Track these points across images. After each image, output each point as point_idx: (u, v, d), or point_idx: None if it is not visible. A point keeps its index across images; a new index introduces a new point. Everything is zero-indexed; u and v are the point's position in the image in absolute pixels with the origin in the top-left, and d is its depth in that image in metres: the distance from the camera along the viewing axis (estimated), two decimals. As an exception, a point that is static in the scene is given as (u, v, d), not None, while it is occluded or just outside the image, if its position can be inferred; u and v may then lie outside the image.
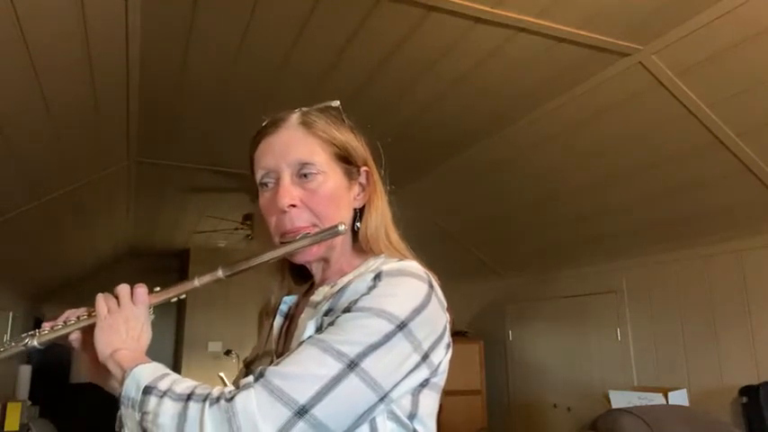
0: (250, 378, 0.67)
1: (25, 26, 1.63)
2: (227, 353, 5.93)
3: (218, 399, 0.65)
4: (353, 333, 0.68)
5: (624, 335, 3.38)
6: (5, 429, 3.58)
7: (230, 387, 0.68)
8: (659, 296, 3.19)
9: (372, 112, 2.64)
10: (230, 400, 0.64)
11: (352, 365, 0.66)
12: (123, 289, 0.82)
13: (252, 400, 0.63)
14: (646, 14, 1.90)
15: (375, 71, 2.32)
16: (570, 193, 3.14)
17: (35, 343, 0.82)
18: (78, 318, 0.83)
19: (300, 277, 0.93)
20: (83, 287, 5.54)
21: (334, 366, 0.66)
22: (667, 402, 2.70)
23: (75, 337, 0.84)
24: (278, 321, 0.90)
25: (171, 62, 2.22)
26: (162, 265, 6.32)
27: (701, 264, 2.96)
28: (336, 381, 0.65)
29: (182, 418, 0.65)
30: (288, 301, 0.91)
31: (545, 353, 4.04)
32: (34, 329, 0.84)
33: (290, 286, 0.94)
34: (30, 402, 4.11)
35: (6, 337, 4.27)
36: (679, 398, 2.77)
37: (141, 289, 0.82)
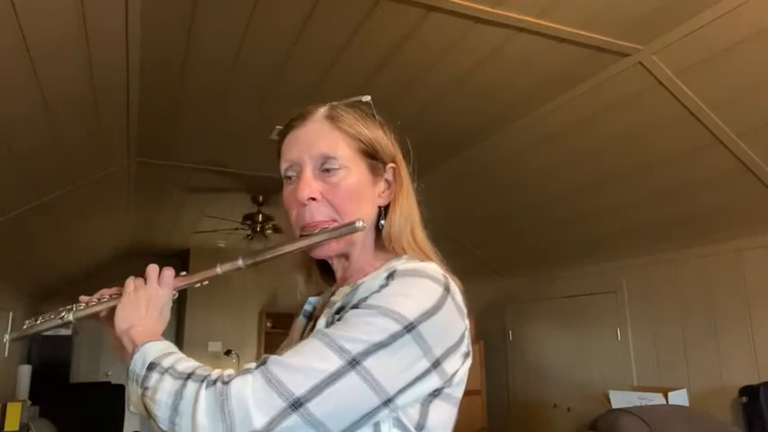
0: (252, 364, 0.67)
1: (25, 27, 1.63)
2: (227, 353, 5.93)
3: (215, 381, 0.65)
4: (358, 330, 0.66)
5: (624, 335, 3.38)
6: (5, 429, 3.58)
7: (231, 371, 0.67)
8: (659, 296, 3.19)
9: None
10: (227, 383, 0.64)
11: (354, 363, 0.64)
12: (153, 269, 0.84)
13: (248, 387, 0.63)
14: (646, 14, 1.90)
15: (375, 71, 2.32)
16: (570, 192, 3.14)
17: (71, 317, 0.86)
18: (111, 296, 0.86)
19: (331, 277, 0.90)
20: (83, 287, 5.50)
21: (335, 362, 0.64)
22: (667, 402, 2.70)
23: (104, 315, 0.86)
24: (301, 321, 0.89)
25: (171, 62, 2.22)
26: (162, 265, 6.32)
27: (700, 264, 2.96)
28: (335, 377, 0.63)
29: (178, 396, 0.65)
30: (313, 301, 0.90)
31: (545, 353, 4.04)
32: (71, 305, 0.87)
33: (320, 286, 0.92)
34: (30, 402, 4.10)
35: (6, 337, 4.27)
36: (679, 398, 2.77)
37: (169, 271, 0.84)
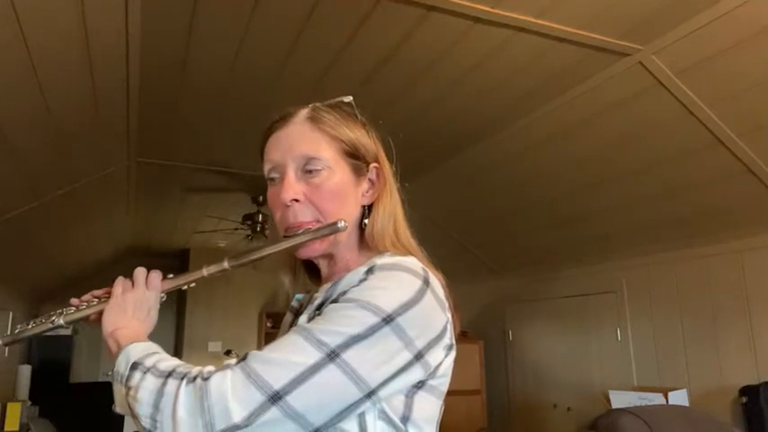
0: (233, 360, 0.68)
1: (26, 27, 1.64)
2: (227, 353, 5.93)
3: (195, 378, 0.66)
4: (336, 323, 0.67)
5: (624, 335, 3.38)
6: (5, 429, 3.58)
7: (211, 367, 0.68)
8: (659, 296, 3.19)
9: (372, 112, 2.64)
10: (206, 379, 0.65)
11: (333, 356, 0.65)
12: (140, 272, 0.86)
13: (227, 381, 0.64)
14: (646, 14, 1.90)
15: (375, 71, 2.32)
16: (570, 192, 3.14)
17: (61, 321, 0.87)
18: (99, 298, 0.87)
19: (318, 276, 0.91)
20: (83, 287, 5.50)
21: (314, 355, 0.65)
22: (667, 402, 2.70)
23: (94, 317, 0.87)
24: (288, 318, 0.90)
25: (171, 62, 2.22)
26: (162, 265, 6.31)
27: (700, 264, 2.96)
28: (314, 370, 0.64)
29: (159, 393, 0.67)
30: (299, 297, 0.91)
31: (545, 353, 4.04)
32: (61, 308, 0.89)
33: (307, 284, 0.93)
34: (30, 402, 4.11)
35: None
36: (679, 398, 2.77)
37: (156, 274, 0.86)
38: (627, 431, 1.88)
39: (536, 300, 4.14)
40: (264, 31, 2.02)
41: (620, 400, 2.87)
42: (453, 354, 0.77)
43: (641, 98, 2.33)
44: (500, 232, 3.98)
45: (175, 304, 6.77)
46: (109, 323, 0.81)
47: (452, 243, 4.27)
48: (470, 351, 4.26)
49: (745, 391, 2.59)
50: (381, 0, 1.85)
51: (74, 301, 0.89)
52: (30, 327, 0.89)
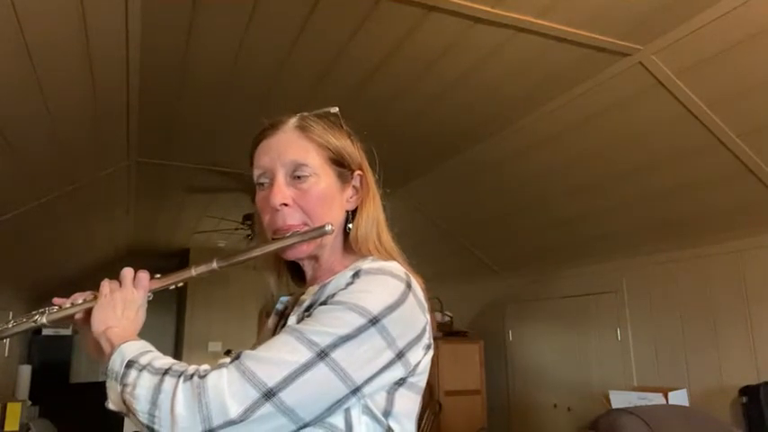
0: (227, 359, 0.71)
1: (25, 27, 1.64)
2: (227, 353, 5.92)
3: (192, 375, 0.69)
4: (326, 324, 0.71)
5: (624, 335, 3.39)
6: (5, 429, 3.59)
7: (206, 366, 0.71)
8: (659, 296, 3.19)
9: (372, 112, 2.64)
10: (203, 377, 0.68)
11: (323, 355, 0.69)
12: (128, 271, 0.87)
13: (223, 379, 0.67)
14: (646, 14, 1.90)
15: (375, 71, 2.32)
16: (570, 192, 3.14)
17: (44, 320, 0.87)
18: (84, 299, 0.88)
19: (301, 278, 0.96)
20: (83, 287, 5.51)
21: (305, 354, 0.69)
22: (667, 402, 2.70)
23: (79, 317, 0.88)
24: (273, 320, 0.94)
25: (171, 62, 2.22)
26: (162, 266, 6.31)
27: (700, 264, 2.96)
28: (305, 368, 0.68)
29: (157, 390, 0.69)
30: (284, 300, 0.95)
31: (545, 353, 4.04)
32: (44, 308, 0.88)
33: (291, 287, 0.97)
34: (30, 402, 4.11)
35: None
36: (679, 398, 2.77)
37: (143, 274, 0.87)
38: (627, 431, 1.88)
39: (536, 300, 4.14)
40: (264, 31, 2.02)
41: (620, 400, 2.87)
42: (431, 353, 0.82)
43: (641, 98, 2.33)
44: (500, 232, 3.98)
45: (175, 304, 6.78)
46: (99, 322, 0.82)
47: (453, 243, 4.27)
48: (470, 351, 4.26)
49: (745, 391, 2.59)
50: (381, 0, 1.85)
51: (57, 300, 0.90)
52: (11, 326, 0.89)
